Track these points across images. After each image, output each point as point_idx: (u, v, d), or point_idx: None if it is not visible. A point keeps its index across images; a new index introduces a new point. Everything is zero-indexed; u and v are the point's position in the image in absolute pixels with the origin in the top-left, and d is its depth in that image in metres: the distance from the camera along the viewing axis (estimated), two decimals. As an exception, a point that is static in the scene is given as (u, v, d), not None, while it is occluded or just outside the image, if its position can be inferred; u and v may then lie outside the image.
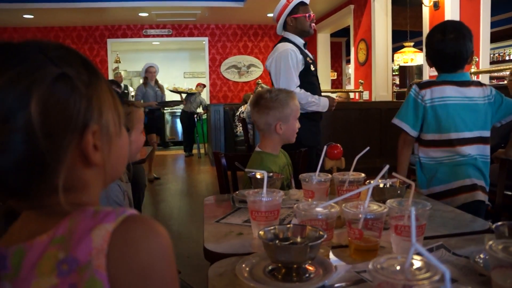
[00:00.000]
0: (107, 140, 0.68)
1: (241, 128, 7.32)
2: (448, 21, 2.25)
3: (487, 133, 2.06)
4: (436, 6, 5.44)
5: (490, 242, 0.85)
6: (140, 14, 8.99)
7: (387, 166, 1.23)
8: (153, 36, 10.33)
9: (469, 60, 2.08)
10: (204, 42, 10.44)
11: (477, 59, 4.74)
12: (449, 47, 2.03)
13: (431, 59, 2.15)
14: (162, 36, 10.34)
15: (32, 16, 8.19)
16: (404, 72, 11.38)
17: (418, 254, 0.63)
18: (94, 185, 0.69)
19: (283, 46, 2.95)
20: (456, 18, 5.20)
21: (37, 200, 0.63)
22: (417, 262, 0.69)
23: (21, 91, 0.57)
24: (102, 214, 0.60)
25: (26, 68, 0.59)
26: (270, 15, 9.50)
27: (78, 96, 0.62)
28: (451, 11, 5.20)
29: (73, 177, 0.64)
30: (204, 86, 10.02)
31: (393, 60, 7.40)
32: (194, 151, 9.69)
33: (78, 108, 0.62)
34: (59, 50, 0.65)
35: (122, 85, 10.19)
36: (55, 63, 0.62)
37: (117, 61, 10.89)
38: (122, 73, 10.45)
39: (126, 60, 11.81)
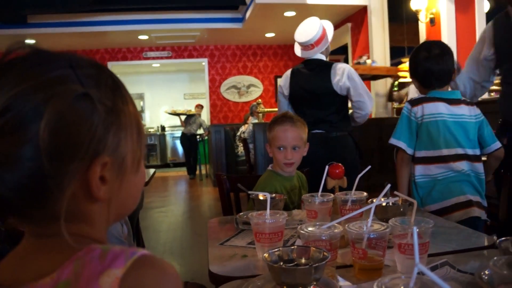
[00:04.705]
0: (120, 174, 0.63)
1: (242, 148, 7.34)
2: (431, 40, 2.31)
3: (478, 151, 2.08)
4: (432, 22, 5.51)
5: (495, 258, 0.85)
6: (140, 37, 9.09)
7: (389, 185, 1.23)
8: (153, 58, 10.41)
9: (453, 76, 2.15)
10: (203, 63, 10.51)
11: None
12: (435, 64, 2.09)
13: (417, 77, 2.19)
14: (162, 58, 10.42)
15: (34, 41, 8.26)
16: (403, 88, 11.43)
17: (422, 273, 0.64)
18: (98, 220, 0.63)
19: (342, 64, 3.05)
20: (453, 33, 5.26)
21: (38, 227, 0.59)
22: (422, 281, 0.70)
23: (38, 102, 0.53)
24: (110, 257, 0.55)
25: (50, 80, 0.56)
26: (269, 35, 9.55)
27: (96, 121, 0.57)
28: (447, 27, 5.26)
29: (75, 208, 0.59)
30: (202, 106, 10.08)
31: (391, 76, 7.44)
32: (198, 172, 9.70)
33: (92, 134, 0.56)
34: (90, 68, 0.61)
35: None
36: (81, 81, 0.58)
37: (118, 84, 10.98)
38: (123, 96, 10.53)
39: (126, 83, 11.38)
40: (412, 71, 2.21)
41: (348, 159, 2.77)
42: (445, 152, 2.03)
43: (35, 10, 7.04)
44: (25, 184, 0.54)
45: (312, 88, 2.98)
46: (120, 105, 0.62)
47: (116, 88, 0.63)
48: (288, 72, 3.13)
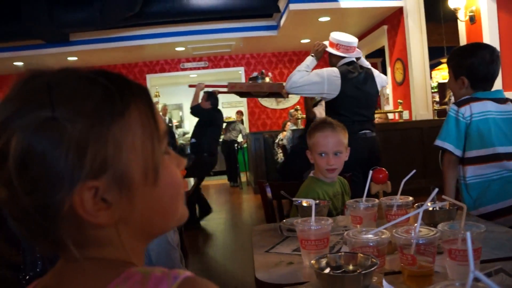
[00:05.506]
0: (123, 192, 0.55)
1: (281, 155, 7.32)
2: (485, 43, 2.31)
3: None
4: (472, 20, 5.36)
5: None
6: (177, 49, 9.25)
7: (436, 189, 1.21)
8: (190, 69, 10.56)
9: None
10: (240, 72, 10.59)
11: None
12: (497, 67, 2.08)
13: (473, 78, 2.10)
14: (198, 68, 10.56)
15: (76, 58, 8.56)
16: (443, 88, 11.17)
17: (478, 280, 0.62)
18: (117, 243, 0.58)
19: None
20: (495, 31, 5.10)
21: (65, 251, 0.56)
22: (476, 288, 0.68)
23: (5, 139, 0.51)
24: (153, 282, 0.51)
25: (18, 112, 0.52)
26: (304, 41, 9.53)
27: (66, 146, 0.51)
28: (489, 25, 5.11)
29: (83, 235, 0.56)
30: (242, 113, 10.19)
31: (431, 77, 7.29)
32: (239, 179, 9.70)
33: (64, 162, 0.51)
34: (75, 83, 0.55)
35: (167, 118, 10.47)
36: (52, 104, 0.52)
37: (157, 96, 11.21)
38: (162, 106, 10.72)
39: (165, 94, 12.14)
40: (469, 71, 2.10)
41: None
42: (499, 150, 1.97)
43: (76, 28, 7.27)
44: (17, 217, 0.54)
45: (367, 89, 3.17)
46: (108, 116, 0.54)
47: (106, 98, 0.55)
48: (335, 70, 3.13)
